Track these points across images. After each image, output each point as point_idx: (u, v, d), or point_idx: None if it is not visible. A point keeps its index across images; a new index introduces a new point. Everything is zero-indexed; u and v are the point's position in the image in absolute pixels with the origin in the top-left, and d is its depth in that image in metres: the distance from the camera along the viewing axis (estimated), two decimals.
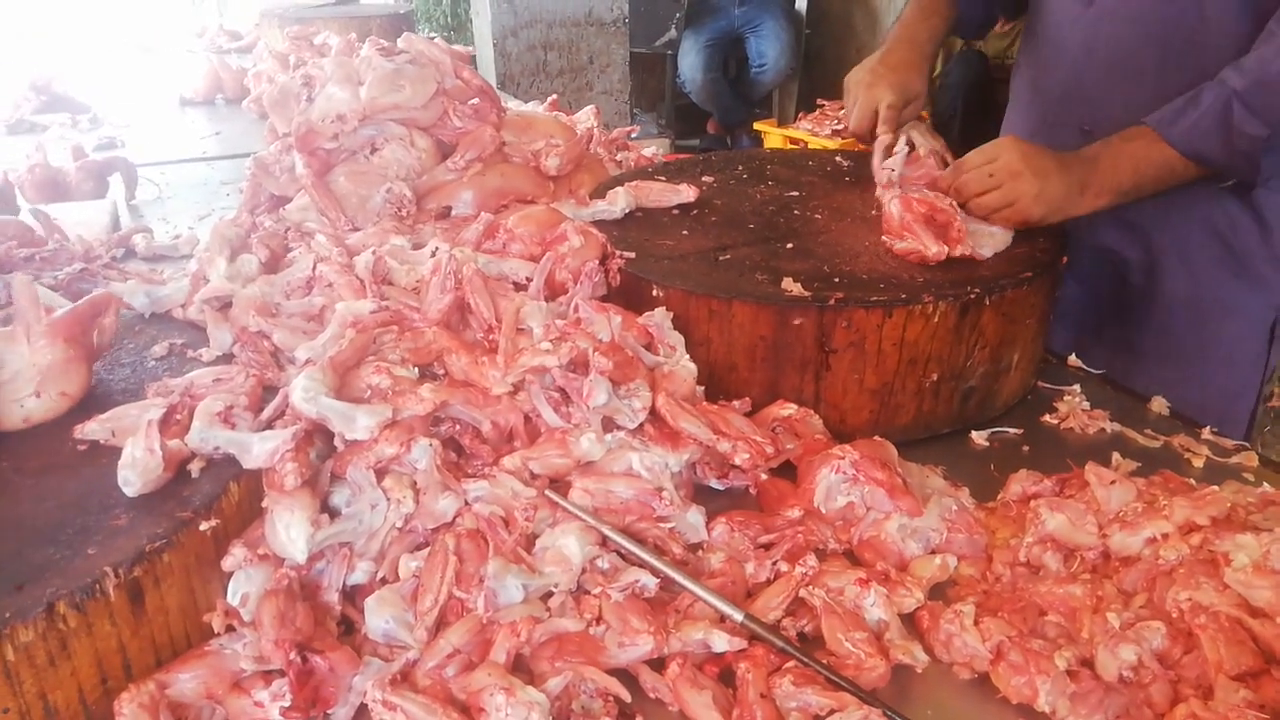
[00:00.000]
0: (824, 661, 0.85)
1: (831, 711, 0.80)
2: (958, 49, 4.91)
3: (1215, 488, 0.99)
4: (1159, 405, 1.29)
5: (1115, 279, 1.56)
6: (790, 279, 1.19)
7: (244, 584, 0.86)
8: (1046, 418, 1.28)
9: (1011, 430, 1.25)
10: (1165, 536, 0.93)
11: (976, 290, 1.16)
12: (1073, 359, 1.41)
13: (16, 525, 0.84)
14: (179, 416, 0.94)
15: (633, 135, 2.05)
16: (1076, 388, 1.32)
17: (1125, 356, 1.50)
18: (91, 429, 0.95)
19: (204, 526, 0.86)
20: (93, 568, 0.78)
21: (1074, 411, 1.27)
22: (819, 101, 5.45)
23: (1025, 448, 1.22)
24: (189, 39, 4.22)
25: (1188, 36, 1.35)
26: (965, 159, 1.36)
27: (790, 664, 0.85)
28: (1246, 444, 1.20)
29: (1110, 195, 1.29)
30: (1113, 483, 1.01)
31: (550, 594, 0.91)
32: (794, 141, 5.15)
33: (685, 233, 1.39)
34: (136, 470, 0.87)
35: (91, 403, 1.03)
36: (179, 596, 0.84)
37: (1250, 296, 1.46)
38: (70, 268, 1.48)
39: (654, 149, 2.09)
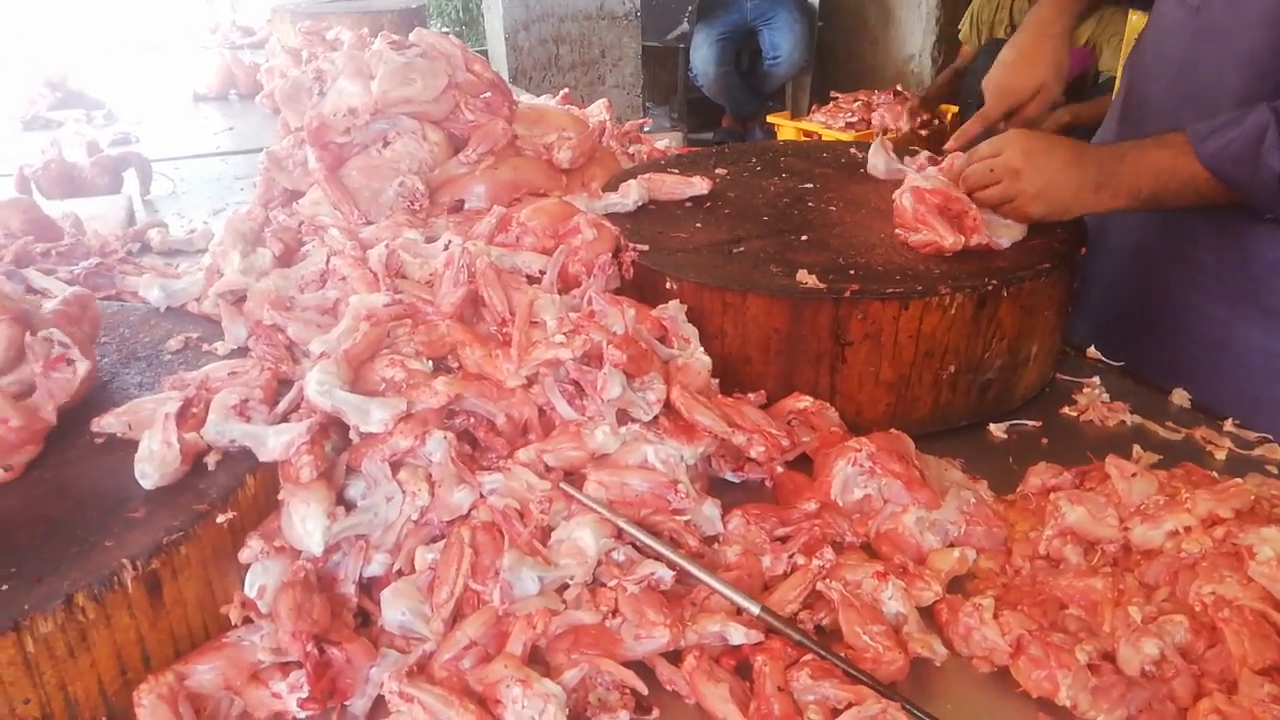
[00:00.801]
0: (842, 655, 0.84)
1: (849, 705, 0.80)
2: (1003, 31, 4.86)
3: (1238, 480, 0.98)
4: (1180, 398, 1.28)
5: (1144, 280, 1.51)
6: (805, 271, 1.18)
7: (261, 576, 0.86)
8: (1065, 410, 1.27)
9: (1030, 423, 1.24)
10: (1187, 529, 0.92)
11: (994, 282, 1.15)
12: (1092, 351, 1.39)
13: (35, 519, 0.85)
14: (195, 410, 0.95)
15: (645, 128, 2.04)
16: (1096, 380, 1.31)
17: (1150, 363, 1.42)
18: (109, 422, 0.96)
19: (221, 519, 0.86)
20: (111, 560, 0.79)
21: (1093, 404, 1.26)
22: (832, 94, 5.43)
23: (1044, 440, 1.21)
24: (202, 35, 4.23)
25: (1278, 62, 1.26)
26: (975, 149, 1.32)
27: (807, 657, 0.84)
28: (1270, 436, 1.18)
29: (1127, 198, 1.24)
30: (1134, 475, 1.00)
31: (566, 586, 0.91)
32: (807, 134, 5.13)
33: (699, 225, 1.38)
34: (153, 463, 0.87)
35: (107, 396, 1.04)
36: (196, 588, 0.84)
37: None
38: (86, 262, 1.49)
39: (666, 142, 2.08)
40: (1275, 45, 1.25)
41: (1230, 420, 1.21)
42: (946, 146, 1.49)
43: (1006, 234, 1.26)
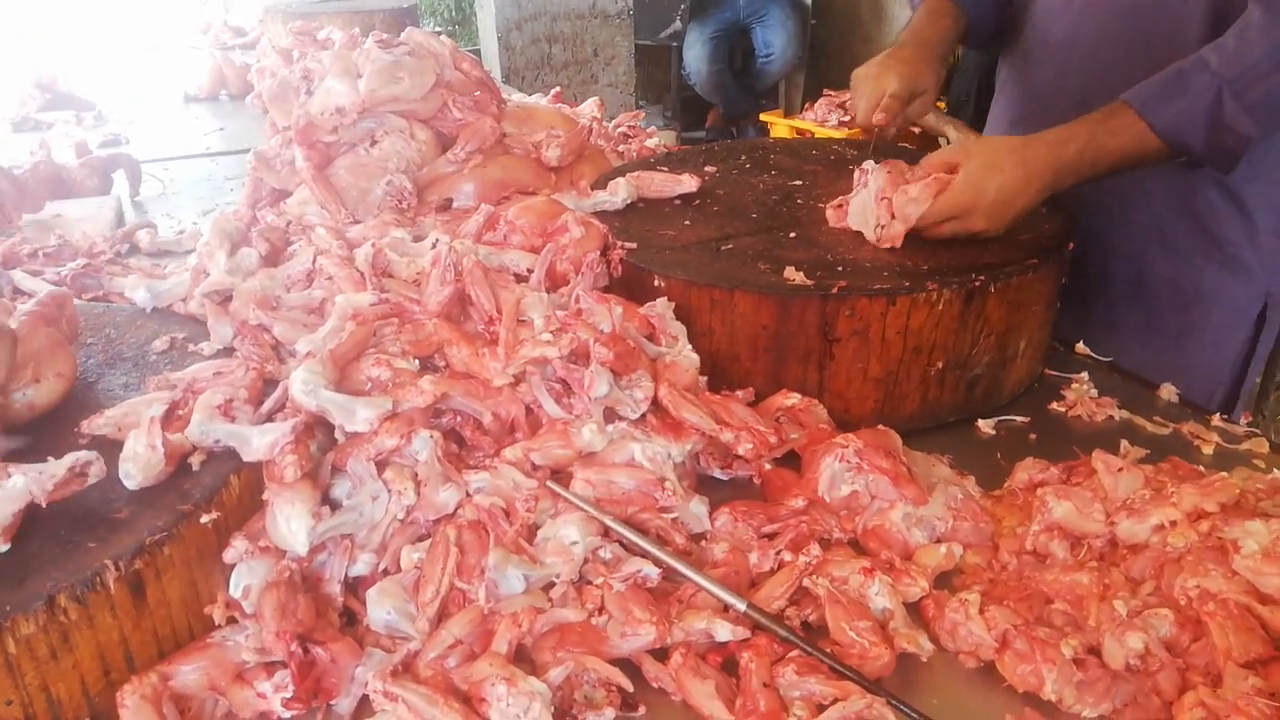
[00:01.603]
0: (828, 651, 0.84)
1: (835, 700, 0.79)
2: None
3: (1224, 474, 0.97)
4: (1168, 392, 1.28)
5: (1098, 262, 1.55)
6: (793, 268, 1.18)
7: (245, 576, 0.86)
8: (1054, 405, 1.27)
9: (1018, 418, 1.24)
10: (1173, 524, 0.92)
11: (981, 277, 1.15)
12: (1080, 346, 1.39)
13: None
14: (181, 411, 0.94)
15: (640, 120, 2.04)
16: (1084, 375, 1.31)
17: (1111, 340, 1.47)
18: (99, 425, 0.95)
19: (205, 519, 0.86)
20: (93, 561, 0.78)
21: (1081, 399, 1.26)
22: (825, 91, 5.43)
23: (1032, 436, 1.21)
24: (193, 35, 4.22)
25: (1171, 27, 1.34)
26: (927, 158, 1.28)
27: (794, 653, 0.84)
28: (1257, 430, 1.18)
29: (1085, 180, 1.26)
30: (1120, 470, 1.00)
31: (552, 584, 0.91)
32: (800, 132, 5.12)
33: (687, 223, 1.38)
34: (137, 464, 0.87)
35: (92, 397, 1.03)
36: (180, 589, 0.84)
37: (1234, 283, 1.44)
38: (73, 264, 1.49)
39: (658, 140, 2.08)
40: (1159, 10, 1.34)
41: (1218, 415, 1.22)
42: (876, 120, 1.51)
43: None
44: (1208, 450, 1.16)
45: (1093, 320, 1.53)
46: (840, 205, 1.36)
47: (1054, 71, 1.53)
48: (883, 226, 1.25)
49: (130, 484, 0.87)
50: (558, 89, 2.19)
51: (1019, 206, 1.23)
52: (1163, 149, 1.24)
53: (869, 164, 1.30)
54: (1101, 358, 1.38)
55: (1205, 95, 1.19)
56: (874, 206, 1.25)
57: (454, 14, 7.28)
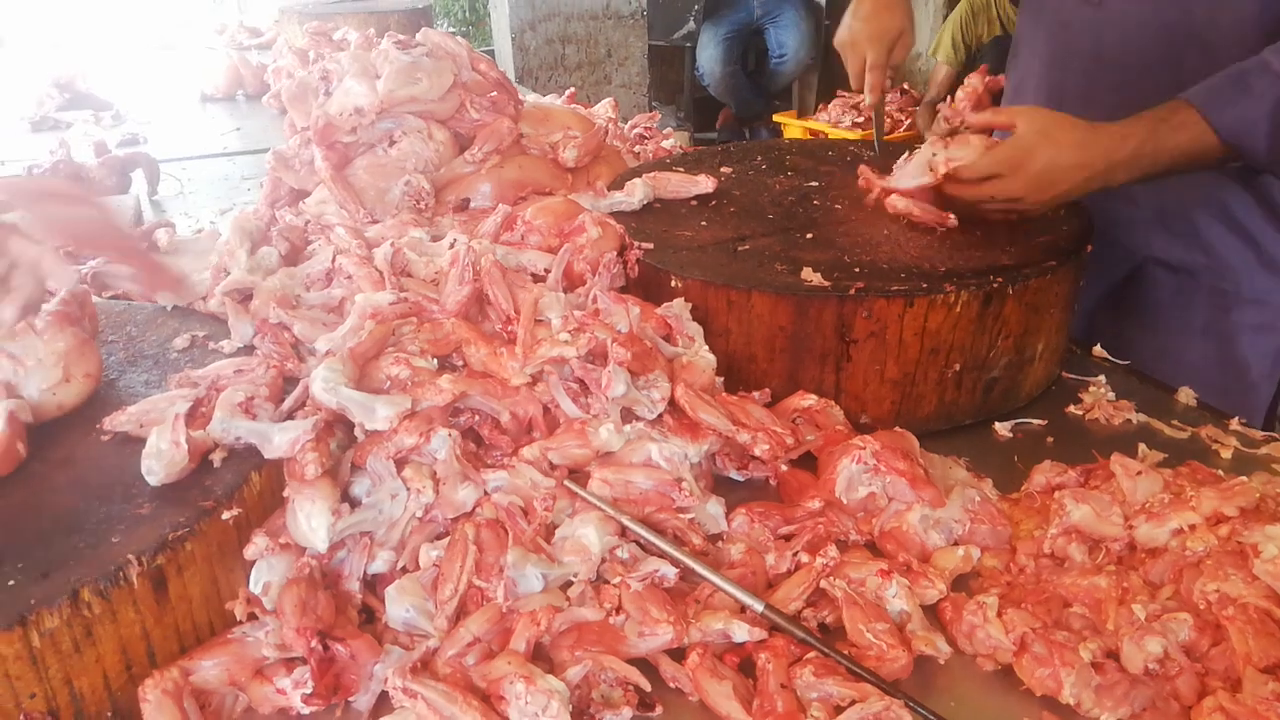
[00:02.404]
0: (845, 652, 0.84)
1: (853, 702, 0.79)
2: (994, 35, 4.87)
3: (1244, 478, 0.97)
4: (1186, 396, 1.27)
5: (1130, 264, 1.54)
6: (810, 269, 1.18)
7: (266, 572, 0.87)
8: (1071, 408, 1.26)
9: (1035, 421, 1.23)
10: (1192, 528, 0.91)
11: (1000, 279, 1.14)
12: (1098, 349, 1.39)
13: (41, 514, 0.85)
14: (204, 409, 0.95)
15: (654, 122, 2.04)
16: (1101, 378, 1.30)
17: (1141, 343, 1.48)
18: (121, 421, 0.96)
19: (226, 515, 0.87)
20: (117, 556, 0.79)
21: (1099, 402, 1.26)
22: (839, 92, 5.42)
23: (1049, 439, 1.20)
24: (209, 36, 4.25)
25: (1199, 37, 1.32)
26: (964, 171, 1.25)
27: (811, 655, 0.84)
28: (1276, 435, 1.18)
29: (1140, 177, 1.23)
30: (1139, 474, 1.00)
31: (570, 583, 0.91)
32: (814, 133, 5.13)
33: (704, 223, 1.38)
34: (160, 461, 0.88)
35: (114, 394, 1.04)
36: (202, 584, 0.85)
37: (1271, 285, 1.43)
38: (94, 261, 1.50)
39: (672, 141, 2.08)
40: (1186, 20, 1.31)
41: (1237, 419, 1.21)
42: (869, 101, 1.54)
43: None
44: (1226, 454, 1.15)
45: (1129, 327, 1.52)
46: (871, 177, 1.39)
47: (1080, 82, 1.49)
48: (935, 160, 1.26)
49: (152, 480, 0.88)
50: (572, 89, 2.19)
51: (1064, 187, 1.21)
52: (1221, 151, 1.19)
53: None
54: (1119, 360, 1.37)
55: (1268, 97, 1.16)
56: (930, 150, 1.28)
57: (468, 14, 7.30)
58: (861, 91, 1.58)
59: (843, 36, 1.56)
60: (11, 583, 0.76)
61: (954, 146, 1.26)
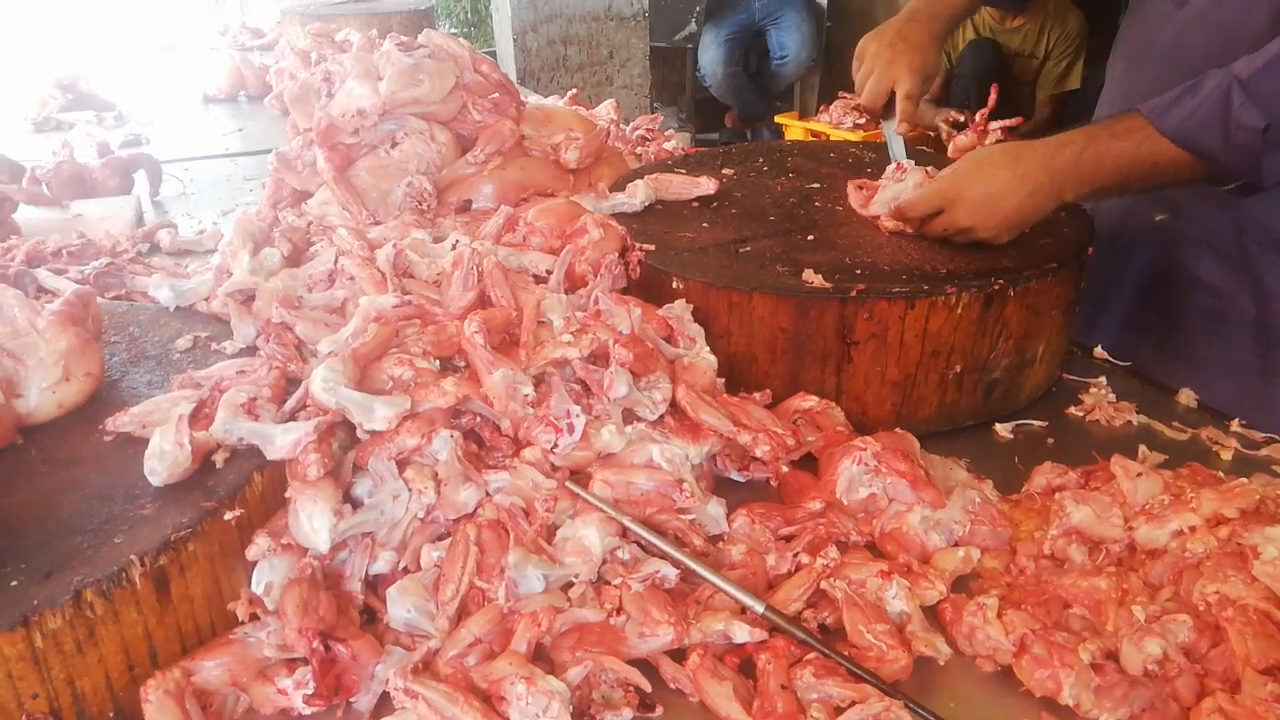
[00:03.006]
0: (845, 653, 0.84)
1: (853, 703, 0.80)
2: (969, 39, 4.87)
3: (1244, 480, 0.97)
4: (1186, 398, 1.28)
5: (1179, 292, 1.49)
6: (811, 271, 1.18)
7: (268, 573, 0.87)
8: (1072, 410, 1.26)
9: (1036, 423, 1.23)
10: (1192, 529, 0.92)
11: (1000, 281, 1.15)
12: (1099, 351, 1.39)
13: (44, 514, 0.86)
14: (207, 410, 0.95)
15: (657, 124, 2.05)
16: (1102, 380, 1.30)
17: (1184, 371, 1.42)
18: (123, 421, 0.96)
19: (228, 516, 0.87)
20: (119, 556, 0.79)
21: (1099, 404, 1.26)
22: (840, 94, 5.42)
23: (1050, 440, 1.20)
24: (212, 37, 4.25)
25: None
26: (905, 208, 1.27)
27: (811, 656, 0.84)
28: (1277, 437, 1.18)
29: (1090, 190, 1.20)
30: (1139, 475, 1.00)
31: (571, 584, 0.91)
32: (815, 134, 5.12)
33: (705, 225, 1.38)
34: (163, 462, 0.88)
35: (117, 394, 1.05)
36: (204, 585, 0.85)
37: None
38: (96, 262, 1.50)
39: (674, 143, 2.09)
40: (1261, 26, 1.25)
41: (1237, 420, 1.21)
42: (899, 130, 1.51)
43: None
44: (1227, 456, 1.15)
45: (1167, 351, 1.49)
46: (862, 187, 1.39)
47: (1156, 81, 1.39)
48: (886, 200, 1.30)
49: (155, 481, 0.88)
50: (574, 91, 2.19)
51: (1008, 206, 1.19)
52: (1181, 160, 1.16)
53: (909, 162, 1.34)
54: (1119, 362, 1.38)
55: (1215, 93, 1.13)
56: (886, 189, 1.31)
57: (469, 16, 7.31)
58: (863, 103, 1.55)
59: (878, 49, 1.49)
60: (14, 583, 0.77)
61: (895, 185, 1.29)
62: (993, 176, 1.20)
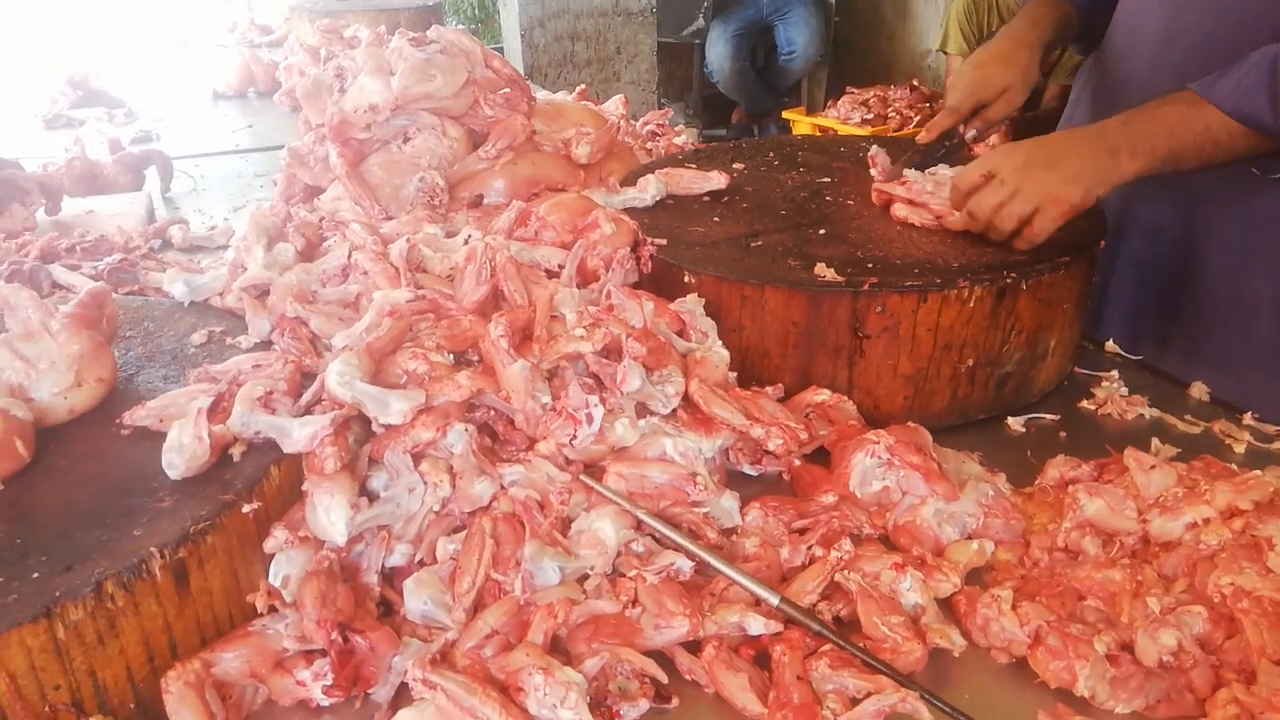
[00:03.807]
0: (860, 645, 0.84)
1: (868, 694, 0.80)
2: (996, 26, 4.83)
3: (1258, 472, 0.97)
4: (1199, 391, 1.27)
5: (1190, 277, 1.48)
6: (823, 264, 1.18)
7: (285, 565, 0.87)
8: (1084, 404, 1.26)
9: (1048, 416, 1.23)
10: (1207, 521, 0.92)
11: (1013, 275, 1.15)
12: (1110, 344, 1.39)
13: (64, 508, 0.86)
14: (225, 404, 0.96)
15: (667, 118, 2.05)
16: (1115, 373, 1.30)
17: (1200, 357, 1.44)
18: (140, 416, 0.97)
19: (246, 509, 0.88)
20: (139, 549, 0.80)
21: (1112, 397, 1.26)
22: (848, 89, 5.41)
23: (1062, 434, 1.20)
24: (221, 34, 4.27)
25: (1269, 26, 1.26)
26: (956, 181, 1.27)
27: (826, 647, 0.85)
28: None
29: (1145, 159, 1.19)
30: (1153, 468, 1.00)
31: (586, 577, 0.92)
32: (823, 130, 5.12)
33: (716, 219, 1.39)
34: (182, 455, 0.88)
35: (133, 389, 1.05)
36: (222, 577, 0.86)
37: None
38: (110, 258, 1.51)
39: (686, 138, 2.09)
40: (1259, 6, 1.26)
41: (1250, 414, 1.21)
42: (919, 138, 1.48)
43: None
44: (1240, 449, 1.15)
45: (1178, 337, 1.48)
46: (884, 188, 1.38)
47: (1146, 65, 1.44)
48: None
49: (173, 474, 0.89)
50: (582, 86, 2.20)
51: (1067, 163, 1.18)
52: (1231, 129, 1.17)
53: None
54: (1131, 356, 1.37)
55: (1262, 64, 1.15)
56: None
57: (477, 12, 7.31)
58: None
59: (952, 78, 1.51)
60: (36, 575, 0.77)
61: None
62: (1046, 139, 1.21)
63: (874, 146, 1.46)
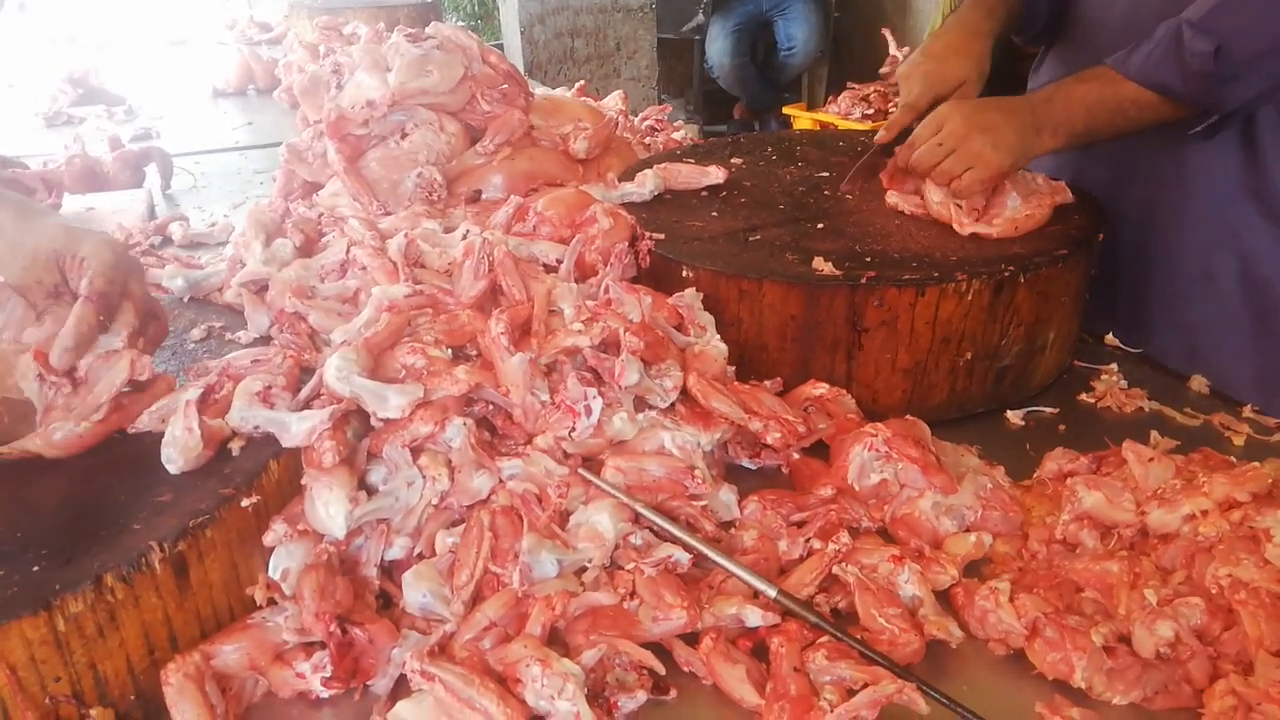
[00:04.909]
0: (858, 637, 0.85)
1: (865, 685, 0.80)
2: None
3: (1256, 464, 0.97)
4: (1198, 384, 1.27)
5: (1161, 259, 1.50)
6: (821, 258, 1.18)
7: (285, 559, 0.88)
8: (1083, 396, 1.27)
9: (1047, 409, 1.23)
10: (1204, 513, 0.92)
11: (1011, 268, 1.15)
12: (1110, 338, 1.39)
13: (64, 502, 0.87)
14: (217, 396, 0.96)
15: (666, 114, 2.05)
16: (1114, 366, 1.30)
17: (1175, 335, 1.46)
18: (143, 422, 0.96)
19: (245, 503, 0.88)
20: (139, 542, 0.80)
21: (1111, 390, 1.26)
22: (849, 85, 5.40)
23: (1061, 427, 1.21)
24: (220, 31, 4.27)
25: None
26: (914, 134, 1.35)
27: (824, 639, 0.85)
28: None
29: (1065, 135, 1.28)
30: (1151, 460, 1.00)
31: (584, 569, 0.92)
32: (823, 125, 5.11)
33: (715, 214, 1.39)
34: (177, 448, 0.89)
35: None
36: (222, 571, 0.86)
37: None
38: None
39: (685, 134, 2.09)
40: None
41: (1249, 406, 1.21)
42: (877, 138, 1.47)
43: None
44: (1239, 441, 1.15)
45: (1155, 318, 1.50)
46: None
47: (1108, 52, 1.42)
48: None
49: (172, 468, 0.89)
50: (581, 82, 2.19)
51: (1009, 132, 1.26)
52: (1144, 99, 1.25)
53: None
54: (1131, 349, 1.37)
55: (1168, 34, 1.22)
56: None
57: (476, 9, 7.31)
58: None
59: (902, 69, 1.50)
60: (36, 568, 0.78)
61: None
62: (985, 109, 1.30)
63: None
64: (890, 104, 5.09)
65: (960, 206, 1.28)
